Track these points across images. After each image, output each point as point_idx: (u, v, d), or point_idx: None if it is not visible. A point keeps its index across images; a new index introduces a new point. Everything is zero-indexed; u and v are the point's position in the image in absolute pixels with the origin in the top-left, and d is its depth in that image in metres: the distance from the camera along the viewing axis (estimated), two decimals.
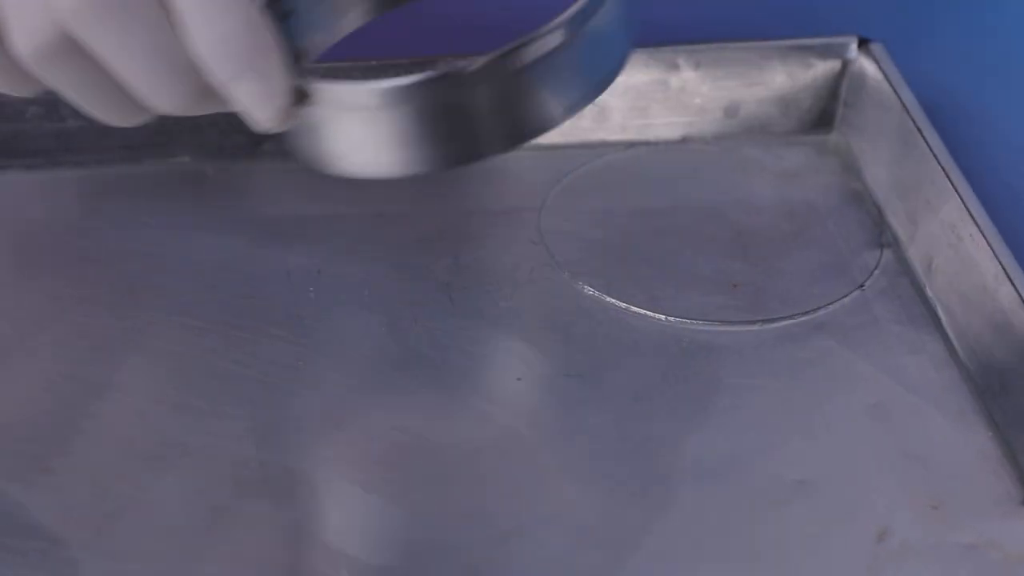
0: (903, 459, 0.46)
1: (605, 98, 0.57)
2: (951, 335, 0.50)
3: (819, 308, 0.51)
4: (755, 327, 0.50)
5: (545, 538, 0.44)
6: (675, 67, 0.57)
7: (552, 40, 0.45)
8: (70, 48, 0.46)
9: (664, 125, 0.57)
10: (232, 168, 0.56)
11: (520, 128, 0.46)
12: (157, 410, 0.48)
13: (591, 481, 0.46)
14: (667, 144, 0.57)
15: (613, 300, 0.51)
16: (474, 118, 0.45)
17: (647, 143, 0.57)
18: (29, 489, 0.45)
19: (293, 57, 0.49)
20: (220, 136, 0.56)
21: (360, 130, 0.46)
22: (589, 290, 0.52)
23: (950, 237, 0.51)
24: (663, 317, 0.51)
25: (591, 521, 0.45)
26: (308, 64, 0.50)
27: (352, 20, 0.52)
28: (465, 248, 0.53)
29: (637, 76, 0.57)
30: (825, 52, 0.57)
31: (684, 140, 0.58)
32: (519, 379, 0.49)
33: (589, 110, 0.57)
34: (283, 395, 0.48)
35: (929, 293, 0.51)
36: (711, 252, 0.53)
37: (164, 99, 0.46)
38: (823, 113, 0.58)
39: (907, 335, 0.50)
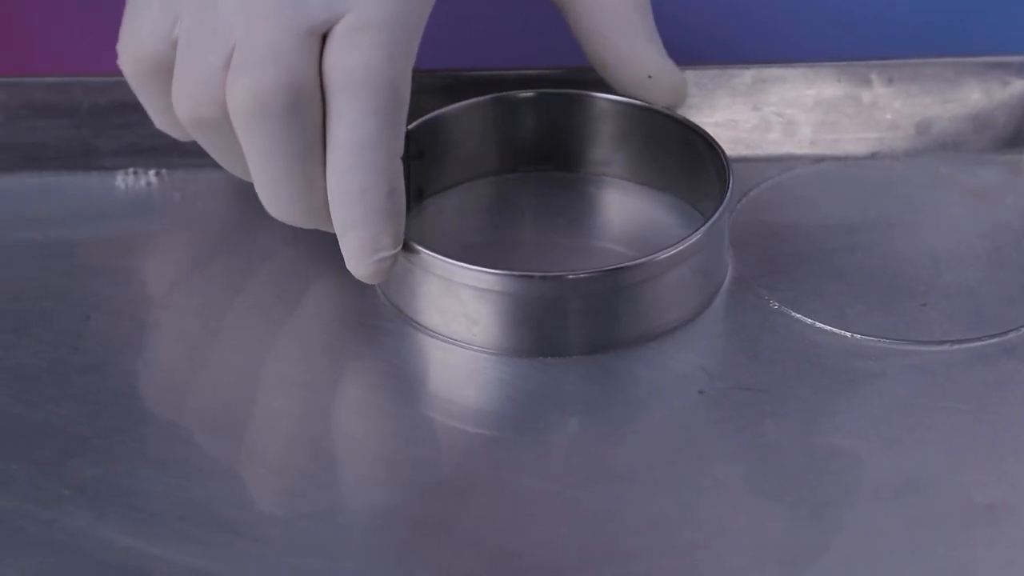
0: None
1: (794, 112, 0.56)
2: None
3: (1011, 330, 0.50)
4: (944, 347, 0.49)
5: (724, 550, 0.44)
6: (867, 82, 0.56)
7: (658, 268, 0.48)
8: (223, 128, 0.48)
9: (854, 140, 0.57)
10: None
11: (602, 338, 0.48)
12: (339, 409, 0.48)
13: (772, 496, 0.45)
14: (856, 159, 0.57)
15: (799, 315, 0.51)
16: (569, 319, 0.48)
17: (836, 158, 0.57)
18: (215, 481, 0.45)
19: (415, 194, 0.53)
20: None
21: (454, 304, 0.48)
22: (775, 304, 0.51)
23: None
24: (849, 334, 0.50)
25: (771, 536, 0.44)
26: (427, 201, 0.53)
27: (472, 171, 0.55)
28: None
29: (828, 90, 0.56)
30: (1023, 70, 0.56)
31: (874, 156, 0.57)
32: (701, 392, 0.48)
33: (778, 123, 0.57)
34: (462, 397, 0.48)
35: None
36: (900, 270, 0.52)
37: (275, 205, 0.49)
38: (1018, 132, 0.57)
39: None
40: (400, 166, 0.48)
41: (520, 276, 0.48)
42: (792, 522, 0.44)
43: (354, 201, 0.47)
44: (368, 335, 0.50)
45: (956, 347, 0.50)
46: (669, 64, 0.53)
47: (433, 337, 0.49)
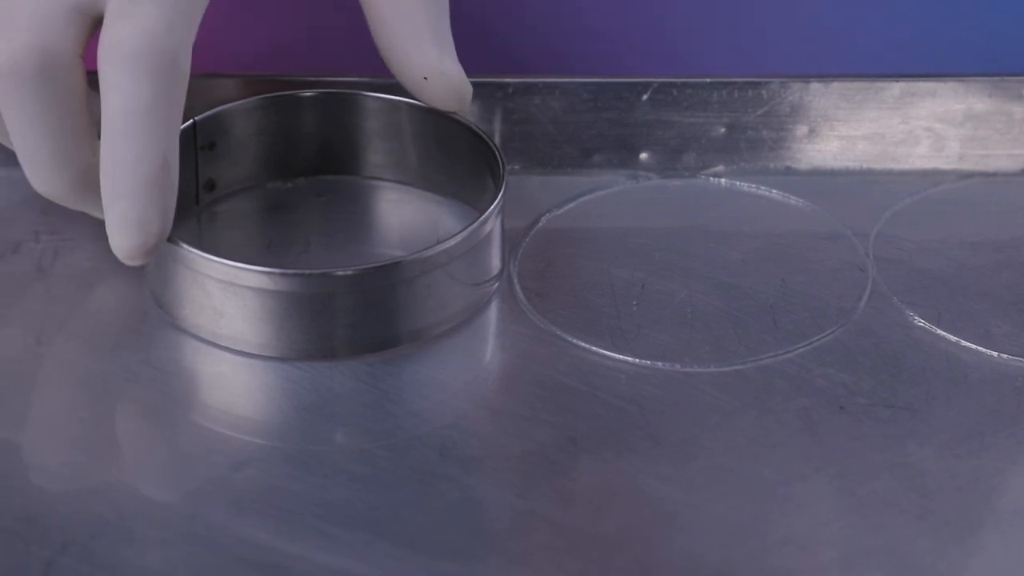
0: None
1: (942, 127, 0.55)
2: None
3: None
4: None
5: (863, 570, 0.43)
6: (1019, 97, 0.55)
7: (429, 263, 0.48)
8: None
9: (1004, 156, 0.56)
10: (558, 179, 0.56)
11: (362, 340, 0.48)
12: (477, 413, 0.48)
13: (914, 516, 0.44)
14: (1006, 176, 0.56)
15: (944, 333, 0.50)
16: (326, 320, 0.47)
17: (985, 174, 0.56)
18: (356, 482, 0.45)
19: (207, 185, 0.53)
20: (550, 146, 0.56)
21: (203, 296, 0.48)
22: (920, 322, 0.50)
23: None
24: (996, 354, 0.49)
25: (911, 557, 0.43)
26: (218, 194, 0.53)
27: (267, 169, 0.54)
28: (792, 270, 0.52)
29: (978, 105, 0.55)
30: None
31: None
32: (842, 407, 0.48)
33: (926, 137, 0.56)
34: (600, 406, 0.48)
35: None
36: None
37: (35, 177, 0.48)
38: None
39: None
40: (176, 141, 0.47)
41: (260, 272, 0.47)
42: (933, 543, 0.44)
43: (125, 169, 0.46)
44: None
45: None
46: (448, 66, 0.51)
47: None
